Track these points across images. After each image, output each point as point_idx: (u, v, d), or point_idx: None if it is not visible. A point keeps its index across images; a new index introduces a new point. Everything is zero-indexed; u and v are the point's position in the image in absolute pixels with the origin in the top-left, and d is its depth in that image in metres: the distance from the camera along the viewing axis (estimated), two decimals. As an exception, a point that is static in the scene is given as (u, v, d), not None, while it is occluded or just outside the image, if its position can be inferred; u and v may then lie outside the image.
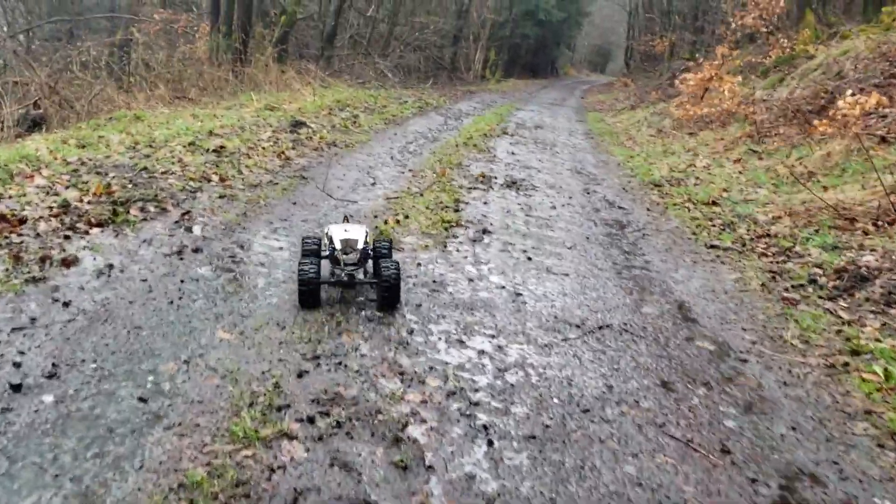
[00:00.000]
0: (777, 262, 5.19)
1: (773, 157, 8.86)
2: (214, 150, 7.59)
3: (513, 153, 10.30)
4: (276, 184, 6.70)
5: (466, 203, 6.66)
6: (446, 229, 5.65)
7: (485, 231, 5.70)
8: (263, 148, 8.15)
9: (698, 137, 11.77)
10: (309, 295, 3.74)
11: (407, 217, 5.94)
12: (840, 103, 8.03)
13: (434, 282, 4.41)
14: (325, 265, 4.12)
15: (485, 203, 6.77)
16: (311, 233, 5.17)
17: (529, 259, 5.08)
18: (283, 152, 8.03)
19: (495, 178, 8.10)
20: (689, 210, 7.05)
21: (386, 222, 5.70)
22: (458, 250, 5.13)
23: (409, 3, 28.55)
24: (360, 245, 3.87)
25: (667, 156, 10.90)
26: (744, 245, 5.70)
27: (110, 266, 4.15)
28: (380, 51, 24.63)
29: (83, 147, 7.12)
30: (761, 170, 8.40)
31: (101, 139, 7.55)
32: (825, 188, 7.04)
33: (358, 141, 9.80)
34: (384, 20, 26.06)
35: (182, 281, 4.05)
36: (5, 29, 17.61)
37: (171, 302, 3.73)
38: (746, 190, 7.63)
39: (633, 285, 4.73)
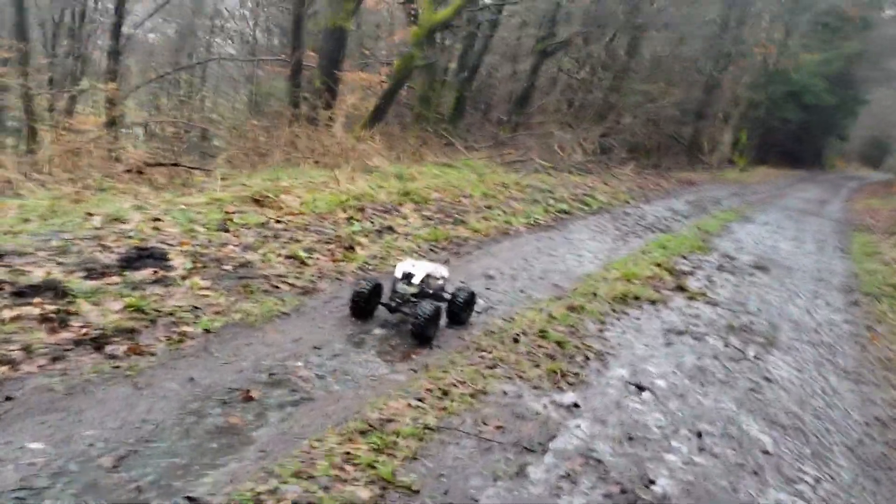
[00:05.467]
0: None
1: None
2: None
3: (681, 413, 4.36)
4: None
5: None
6: None
7: None
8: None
9: None
10: (357, 307, 3.90)
11: None
12: None
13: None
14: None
15: None
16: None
17: None
18: None
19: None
20: None
21: None
22: None
23: (644, 68, 22.58)
24: (418, 280, 3.86)
25: None
26: None
27: None
28: (591, 120, 19.03)
29: None
30: None
31: None
32: None
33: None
34: (602, 84, 20.40)
35: None
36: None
37: None
38: None
39: None
